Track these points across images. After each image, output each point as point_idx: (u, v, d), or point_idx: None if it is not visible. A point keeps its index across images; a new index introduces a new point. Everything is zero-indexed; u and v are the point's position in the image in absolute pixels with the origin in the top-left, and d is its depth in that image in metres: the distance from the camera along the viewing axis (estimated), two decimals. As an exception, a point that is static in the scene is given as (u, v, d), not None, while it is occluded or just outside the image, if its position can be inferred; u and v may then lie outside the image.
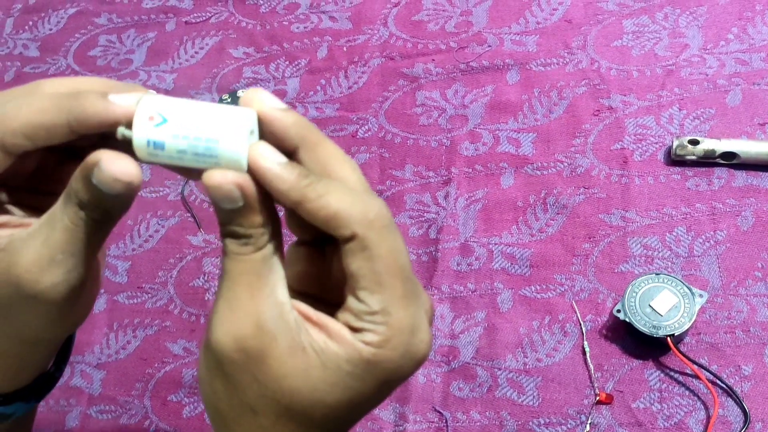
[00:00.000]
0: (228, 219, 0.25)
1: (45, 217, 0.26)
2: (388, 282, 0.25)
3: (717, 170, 0.57)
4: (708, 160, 0.57)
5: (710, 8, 0.64)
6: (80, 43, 0.81)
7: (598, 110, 0.62)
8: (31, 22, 0.85)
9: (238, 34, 0.77)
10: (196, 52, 0.77)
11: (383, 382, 0.26)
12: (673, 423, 0.50)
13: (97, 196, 0.25)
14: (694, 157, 0.57)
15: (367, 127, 0.67)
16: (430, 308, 0.28)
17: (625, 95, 0.62)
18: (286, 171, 0.24)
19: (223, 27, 0.78)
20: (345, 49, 0.73)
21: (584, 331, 0.54)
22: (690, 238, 0.56)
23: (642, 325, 0.50)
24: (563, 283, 0.56)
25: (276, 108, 0.25)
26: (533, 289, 0.57)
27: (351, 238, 0.25)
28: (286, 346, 0.25)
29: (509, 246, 0.59)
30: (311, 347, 0.26)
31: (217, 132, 0.24)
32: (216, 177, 0.24)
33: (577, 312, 0.55)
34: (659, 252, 0.56)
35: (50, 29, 0.83)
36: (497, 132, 0.64)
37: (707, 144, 0.57)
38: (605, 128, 0.61)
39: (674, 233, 0.56)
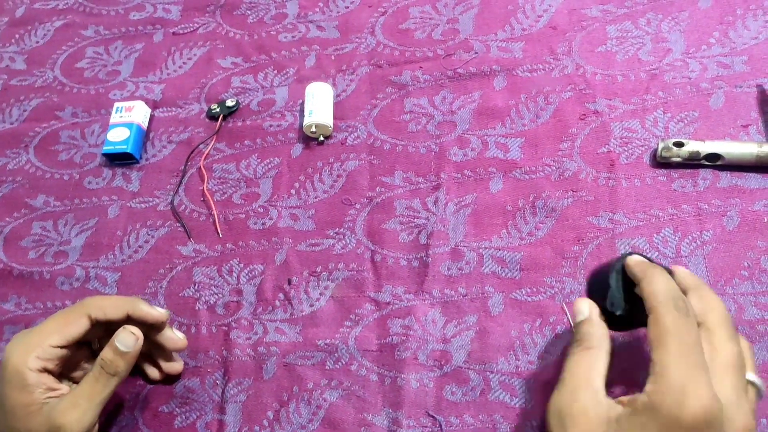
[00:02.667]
0: (576, 328, 0.42)
1: (79, 384, 0.49)
2: (666, 340, 0.35)
3: (702, 172, 0.58)
4: (693, 162, 0.58)
5: (692, 13, 0.65)
6: (67, 55, 0.81)
7: (585, 114, 0.63)
8: (17, 35, 0.85)
9: (226, 45, 0.77)
10: (184, 63, 0.77)
11: (661, 426, 0.33)
12: (664, 422, 0.50)
13: (116, 354, 0.48)
14: (679, 159, 0.58)
15: (356, 134, 0.68)
16: (752, 398, 0.38)
17: (610, 99, 0.63)
18: (639, 264, 0.43)
19: (210, 37, 0.78)
20: (333, 57, 0.73)
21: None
22: (677, 238, 0.56)
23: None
24: (553, 286, 0.57)
25: (634, 260, 0.45)
26: (524, 292, 0.57)
27: (651, 309, 0.37)
28: (594, 416, 0.36)
29: (499, 250, 0.59)
30: (614, 416, 0.35)
31: None
32: (576, 303, 0.44)
33: (568, 314, 0.55)
34: (647, 253, 0.56)
35: (37, 42, 0.83)
36: (485, 137, 0.64)
37: (692, 146, 0.57)
38: (591, 132, 0.62)
39: (661, 234, 0.57)
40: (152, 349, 0.56)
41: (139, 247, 0.66)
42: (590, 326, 0.40)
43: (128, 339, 0.48)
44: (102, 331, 0.52)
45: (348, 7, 0.76)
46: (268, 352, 0.59)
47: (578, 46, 0.67)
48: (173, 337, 0.55)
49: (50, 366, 0.47)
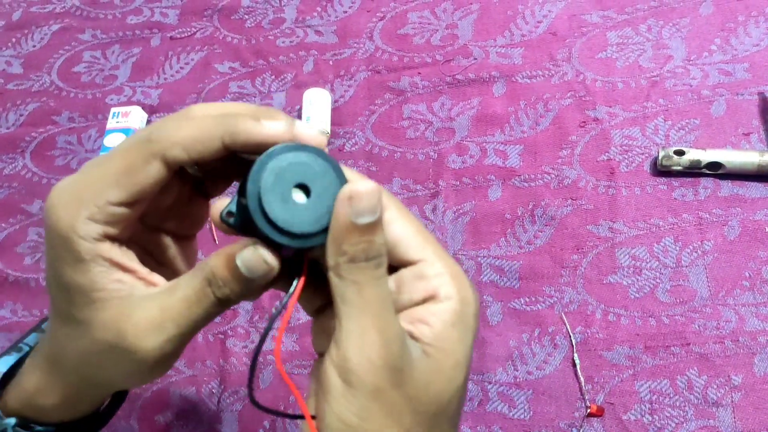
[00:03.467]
0: (359, 239, 0.26)
1: (167, 285, 0.29)
2: (430, 239, 0.29)
3: (703, 180, 0.58)
4: (694, 171, 0.57)
5: (693, 20, 0.65)
6: (64, 59, 0.81)
7: (584, 122, 0.62)
8: (14, 39, 0.84)
9: (224, 49, 0.76)
10: (182, 68, 0.77)
11: (475, 326, 0.28)
12: (664, 435, 0.50)
13: (234, 275, 0.28)
14: (679, 168, 0.57)
15: (354, 140, 0.67)
16: None
17: (610, 107, 0.62)
18: (369, 195, 0.27)
19: (208, 42, 0.77)
20: (331, 62, 0.72)
21: (574, 343, 0.54)
22: (677, 248, 0.56)
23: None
24: (552, 295, 0.56)
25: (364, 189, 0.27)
26: (522, 301, 0.56)
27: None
28: (417, 356, 0.26)
29: (498, 258, 0.58)
30: (427, 346, 0.27)
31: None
32: (359, 188, 0.26)
33: (567, 324, 0.55)
34: (647, 263, 0.56)
35: (34, 46, 0.83)
36: (484, 144, 0.64)
37: (693, 154, 0.57)
38: (591, 140, 0.62)
39: (662, 243, 0.56)
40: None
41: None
42: (388, 233, 0.28)
43: (257, 265, 0.27)
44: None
45: (346, 12, 0.76)
46: (264, 360, 0.58)
47: (578, 52, 0.66)
48: None
49: (114, 232, 0.29)
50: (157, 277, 0.30)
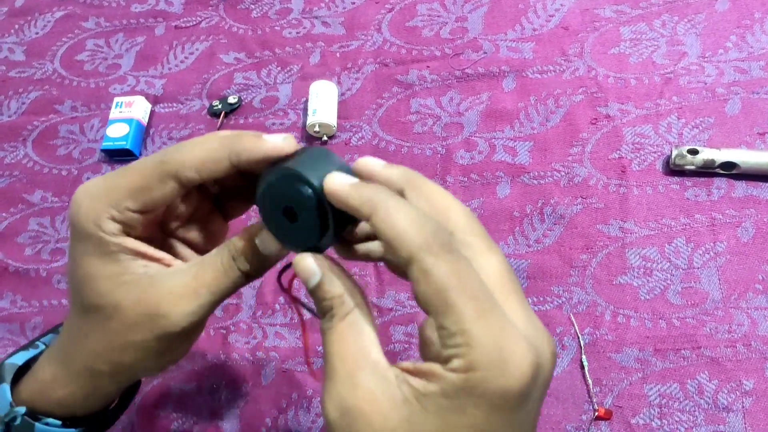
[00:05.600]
0: (315, 297, 0.29)
1: (194, 260, 0.33)
2: (460, 299, 0.25)
3: (716, 180, 0.56)
4: (707, 170, 0.56)
5: (708, 16, 0.64)
6: (67, 47, 0.80)
7: (596, 119, 0.61)
8: (17, 26, 0.83)
9: (229, 39, 0.75)
10: (186, 57, 0.75)
11: (489, 407, 0.25)
12: (673, 439, 0.49)
13: (252, 251, 0.32)
14: (693, 167, 0.56)
15: (360, 134, 0.66)
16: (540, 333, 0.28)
17: (622, 103, 0.61)
18: (360, 187, 0.28)
19: (213, 32, 0.76)
20: (338, 55, 0.71)
21: (582, 345, 0.53)
22: (689, 249, 0.55)
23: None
24: (561, 295, 0.55)
25: (379, 164, 0.30)
26: (530, 301, 0.55)
27: (408, 261, 0.26)
28: (386, 401, 0.26)
29: (506, 257, 0.57)
30: (412, 396, 0.26)
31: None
32: (297, 261, 0.29)
33: (575, 325, 0.54)
34: (658, 263, 0.55)
35: (37, 33, 0.82)
36: (493, 140, 0.63)
37: (707, 153, 0.56)
38: (603, 137, 0.60)
39: (673, 244, 0.55)
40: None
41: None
42: (332, 286, 0.29)
43: (271, 244, 0.32)
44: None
45: (354, 3, 0.74)
46: (267, 357, 0.57)
47: (590, 47, 0.65)
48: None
49: (134, 232, 0.32)
50: (179, 261, 0.34)
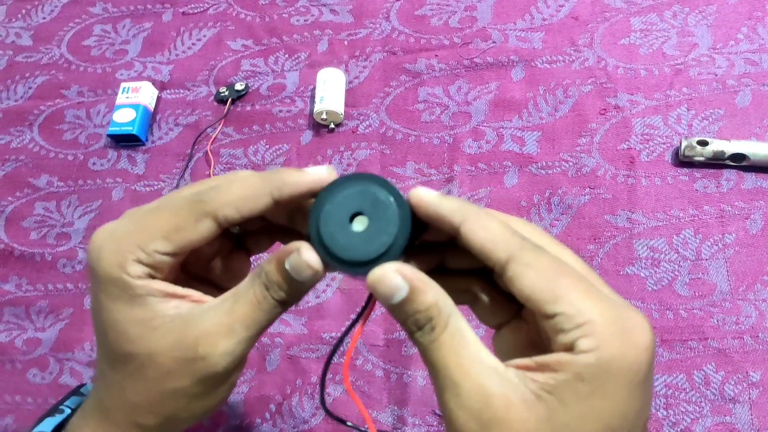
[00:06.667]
0: (404, 312, 0.27)
1: (227, 294, 0.30)
2: (566, 284, 0.25)
3: (726, 172, 0.56)
4: (717, 162, 0.56)
5: (720, 7, 0.63)
6: (74, 32, 0.79)
7: (605, 109, 0.61)
8: (24, 11, 0.83)
9: (237, 26, 0.75)
10: (194, 44, 0.75)
11: (627, 382, 0.25)
12: (679, 430, 0.49)
13: (285, 278, 0.29)
14: (702, 159, 0.56)
15: (368, 122, 0.66)
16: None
17: (632, 94, 0.61)
18: (447, 199, 0.27)
19: (221, 18, 0.76)
20: (346, 43, 0.71)
21: (589, 335, 0.53)
22: (698, 240, 0.54)
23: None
24: (567, 285, 0.55)
25: (436, 196, 0.28)
26: (537, 290, 0.55)
27: (508, 260, 0.26)
28: (521, 403, 0.25)
29: (512, 246, 0.57)
30: (543, 392, 0.25)
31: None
32: (375, 275, 0.27)
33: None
34: (666, 254, 0.54)
35: (44, 18, 0.81)
36: (501, 130, 0.62)
37: (716, 145, 0.55)
38: (612, 128, 0.60)
39: (681, 235, 0.55)
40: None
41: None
42: (426, 297, 0.27)
43: (303, 269, 0.29)
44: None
45: (363, -9, 0.74)
46: (272, 343, 0.57)
47: (600, 38, 0.65)
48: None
49: (160, 275, 0.31)
50: (209, 298, 0.31)
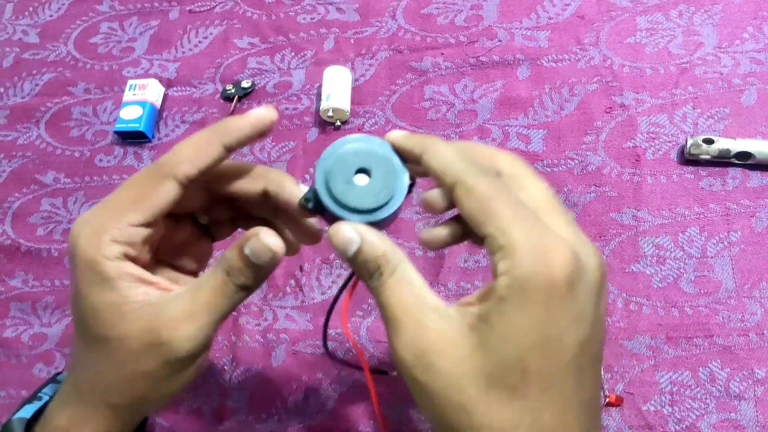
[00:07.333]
0: (358, 263, 0.30)
1: (191, 283, 0.33)
2: (498, 207, 0.28)
3: (731, 170, 0.56)
4: (722, 160, 0.56)
5: (725, 6, 0.63)
6: (81, 30, 0.80)
7: (611, 107, 0.61)
8: (31, 8, 0.83)
9: (243, 24, 0.75)
10: (200, 42, 0.75)
11: (543, 298, 0.26)
12: (684, 426, 0.49)
13: (245, 263, 0.32)
14: (708, 157, 0.56)
15: (374, 120, 0.66)
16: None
17: (638, 93, 0.61)
18: (412, 136, 0.32)
19: (227, 16, 0.76)
20: (352, 41, 0.71)
21: (594, 332, 0.53)
22: (703, 238, 0.54)
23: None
24: (573, 283, 0.55)
25: (403, 134, 0.33)
26: (542, 287, 0.55)
27: (454, 185, 0.29)
28: (455, 334, 0.28)
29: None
30: (477, 321, 0.28)
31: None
32: (333, 229, 0.31)
33: (587, 312, 0.54)
34: (671, 252, 0.54)
35: (50, 15, 0.82)
36: (507, 128, 0.63)
37: (722, 143, 0.55)
38: (617, 126, 0.60)
39: (687, 233, 0.55)
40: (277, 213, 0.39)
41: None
42: (373, 248, 0.30)
43: (262, 252, 0.32)
44: (208, 198, 0.37)
45: (369, -10, 0.74)
46: (277, 339, 0.57)
47: (606, 36, 0.65)
48: (311, 228, 0.38)
49: (134, 252, 0.32)
50: (176, 286, 0.34)
